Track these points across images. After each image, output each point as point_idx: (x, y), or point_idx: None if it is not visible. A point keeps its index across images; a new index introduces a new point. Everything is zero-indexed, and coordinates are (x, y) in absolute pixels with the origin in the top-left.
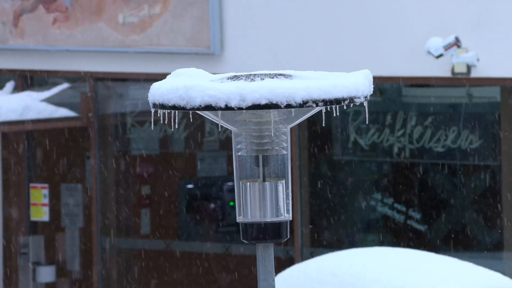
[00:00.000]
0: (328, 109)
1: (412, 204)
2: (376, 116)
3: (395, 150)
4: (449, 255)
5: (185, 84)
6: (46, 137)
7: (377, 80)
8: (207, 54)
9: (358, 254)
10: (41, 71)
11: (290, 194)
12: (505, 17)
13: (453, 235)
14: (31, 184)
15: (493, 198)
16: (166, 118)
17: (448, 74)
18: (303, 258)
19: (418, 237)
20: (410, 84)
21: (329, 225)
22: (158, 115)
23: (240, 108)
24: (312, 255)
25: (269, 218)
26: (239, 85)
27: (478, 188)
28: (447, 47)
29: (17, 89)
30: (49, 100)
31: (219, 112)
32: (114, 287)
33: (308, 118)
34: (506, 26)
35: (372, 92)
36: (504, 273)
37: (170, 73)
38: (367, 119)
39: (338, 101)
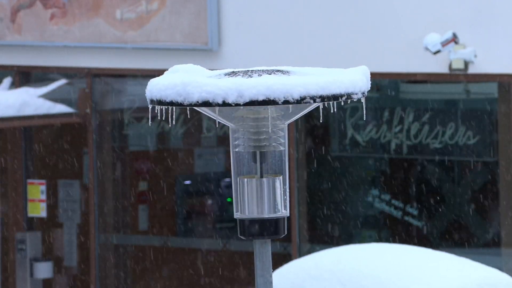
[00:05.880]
0: (326, 105)
1: (410, 200)
2: (374, 112)
3: (393, 146)
4: (446, 251)
5: (182, 80)
6: (44, 133)
7: (375, 76)
8: (204, 50)
9: (355, 250)
10: (38, 67)
11: (287, 190)
12: (503, 13)
13: (450, 231)
14: (29, 180)
15: (490, 194)
16: (164, 114)
17: (445, 70)
18: (301, 254)
19: (415, 233)
20: (407, 80)
21: (326, 221)
22: (156, 111)
23: (237, 104)
24: (309, 251)
25: (266, 214)
26: (237, 81)
27: (475, 184)
28: (445, 43)
29: (14, 85)
30: (46, 96)
31: (217, 108)
32: (112, 283)
33: (305, 114)
34: (504, 23)
35: (369, 88)
36: (501, 269)
37: (167, 69)
38: (364, 115)
39: (335, 97)
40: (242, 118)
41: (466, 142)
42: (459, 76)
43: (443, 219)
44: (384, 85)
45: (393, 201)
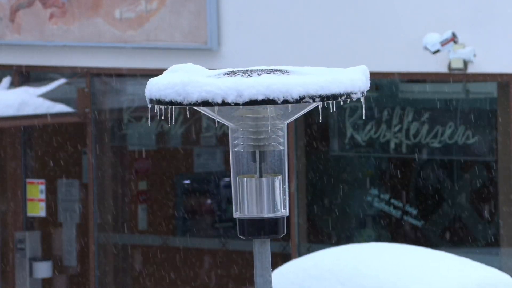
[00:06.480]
0: (325, 104)
1: (409, 199)
2: (373, 111)
3: (392, 145)
4: (446, 250)
5: (182, 80)
6: (43, 132)
7: (374, 76)
8: (204, 50)
9: (355, 250)
10: (38, 67)
11: (287, 189)
12: (502, 13)
13: (449, 231)
14: (28, 180)
15: (490, 193)
16: (163, 113)
17: (445, 69)
18: (300, 253)
19: (414, 233)
20: (407, 80)
21: (325, 220)
22: (155, 111)
23: (237, 104)
24: (309, 250)
25: (266, 214)
26: (236, 80)
27: (475, 183)
28: (444, 43)
29: (14, 84)
30: (46, 96)
31: (216, 108)
32: (111, 283)
33: (305, 113)
34: (503, 22)
35: (369, 88)
36: (500, 268)
37: (167, 69)
38: (364, 114)
39: (335, 96)
40: (241, 118)
41: (465, 141)
42: (458, 75)
43: (443, 218)
44: (384, 84)
45: (392, 201)
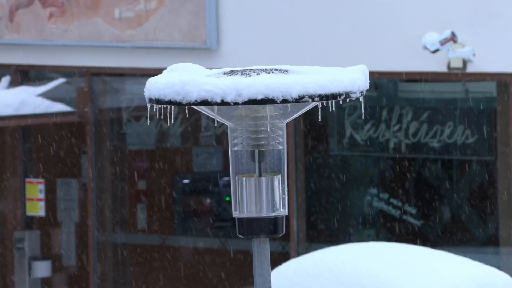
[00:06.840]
0: (324, 104)
1: (408, 199)
2: (372, 111)
3: (391, 145)
4: (445, 250)
5: (181, 79)
6: (42, 132)
7: (374, 75)
8: (203, 49)
9: (354, 249)
10: (37, 66)
11: (286, 189)
12: (502, 12)
13: (448, 230)
14: (27, 179)
15: (489, 193)
16: (162, 113)
17: (444, 69)
18: (299, 253)
19: (414, 232)
20: (406, 79)
21: (325, 220)
22: (154, 110)
23: (236, 103)
24: (308, 250)
25: (265, 213)
26: (235, 80)
27: (474, 183)
28: (443, 42)
29: (13, 83)
30: (45, 95)
31: (215, 107)
32: (110, 282)
33: (304, 113)
34: (503, 22)
35: (368, 87)
36: (499, 267)
37: (166, 68)
38: (363, 114)
39: (334, 96)
40: (240, 117)
41: (464, 141)
42: (457, 75)
43: (442, 218)
44: (383, 84)
45: (391, 200)
